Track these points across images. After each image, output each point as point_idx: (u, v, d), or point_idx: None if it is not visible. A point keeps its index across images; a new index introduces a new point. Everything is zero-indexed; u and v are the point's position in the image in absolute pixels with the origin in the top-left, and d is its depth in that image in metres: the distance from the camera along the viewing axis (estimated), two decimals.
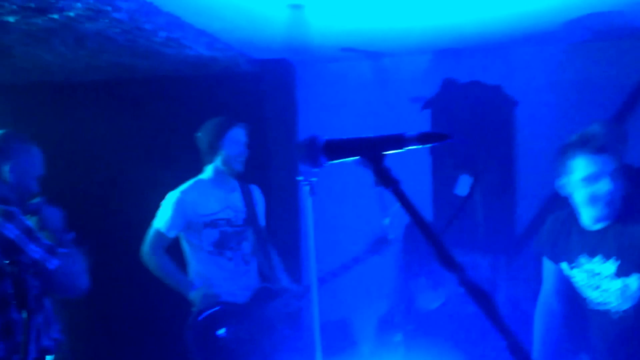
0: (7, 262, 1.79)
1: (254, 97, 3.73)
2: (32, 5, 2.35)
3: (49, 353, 1.99)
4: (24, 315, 1.78)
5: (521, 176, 3.64)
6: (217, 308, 2.65)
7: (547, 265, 2.25)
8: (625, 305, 2.00)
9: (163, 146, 3.79)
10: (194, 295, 2.64)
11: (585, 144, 1.99)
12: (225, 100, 3.70)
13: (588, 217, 2.06)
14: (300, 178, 2.10)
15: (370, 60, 3.88)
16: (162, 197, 2.76)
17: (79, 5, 2.36)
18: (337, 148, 1.08)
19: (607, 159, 1.96)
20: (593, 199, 1.98)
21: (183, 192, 2.71)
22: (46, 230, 2.01)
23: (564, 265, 2.17)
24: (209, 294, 2.64)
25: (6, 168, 1.99)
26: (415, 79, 3.79)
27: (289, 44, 3.36)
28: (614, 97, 3.45)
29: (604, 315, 2.06)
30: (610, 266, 2.01)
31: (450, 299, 3.36)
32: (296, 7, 2.64)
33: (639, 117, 3.42)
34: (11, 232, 1.79)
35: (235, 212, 2.77)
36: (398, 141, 1.02)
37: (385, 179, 1.04)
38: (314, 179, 2.10)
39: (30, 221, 1.99)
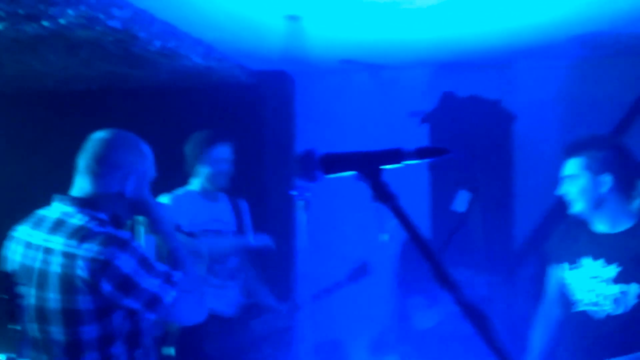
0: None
1: (251, 109, 3.72)
2: (21, 12, 2.29)
3: None
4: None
5: (519, 192, 3.66)
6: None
7: (553, 272, 2.31)
8: (617, 311, 2.05)
9: (158, 158, 3.75)
10: None
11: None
12: (222, 112, 3.68)
13: (600, 221, 2.13)
14: (294, 193, 2.10)
15: (370, 73, 3.90)
16: None
17: (70, 12, 2.31)
18: (334, 162, 1.08)
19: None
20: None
21: (174, 199, 2.68)
22: (158, 234, 1.77)
23: (565, 266, 2.23)
24: None
25: (123, 181, 1.68)
26: (414, 92, 3.82)
27: (287, 56, 3.37)
28: (612, 113, 3.50)
29: (589, 316, 2.12)
30: (611, 271, 2.06)
31: (446, 318, 3.34)
32: (293, 18, 2.65)
33: (635, 133, 3.46)
34: (127, 264, 1.54)
35: (224, 225, 2.76)
36: (396, 155, 1.02)
37: (383, 194, 1.04)
38: (308, 194, 2.09)
39: (139, 223, 1.80)
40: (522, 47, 3.24)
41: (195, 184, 2.76)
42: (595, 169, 2.04)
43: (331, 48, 3.22)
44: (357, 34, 2.92)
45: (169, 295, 1.60)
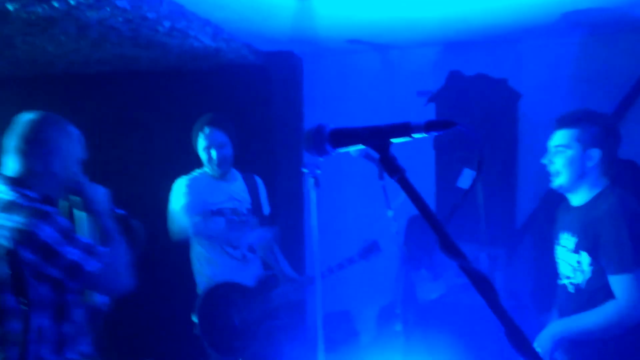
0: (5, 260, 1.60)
1: (261, 90, 3.71)
2: None
3: None
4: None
5: (522, 170, 3.65)
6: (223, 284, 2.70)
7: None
8: (577, 280, 2.07)
9: (168, 140, 3.73)
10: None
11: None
12: (232, 93, 3.68)
13: (576, 195, 2.14)
14: (304, 170, 2.10)
15: (377, 53, 3.86)
16: (164, 193, 2.75)
17: None
18: (343, 136, 1.07)
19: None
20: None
21: (191, 180, 2.76)
22: (92, 213, 1.83)
23: (555, 242, 2.27)
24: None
25: (48, 158, 1.73)
26: (421, 71, 3.79)
27: (296, 36, 3.34)
28: (617, 90, 3.44)
29: (565, 288, 2.15)
30: (572, 242, 2.09)
31: (449, 289, 3.38)
32: None
33: (638, 110, 3.42)
34: (46, 233, 1.61)
35: (239, 202, 2.81)
36: (404, 129, 1.01)
37: (391, 167, 1.03)
38: (318, 171, 2.10)
39: (74, 201, 1.85)
40: (527, 25, 3.20)
41: (206, 167, 2.80)
42: (586, 142, 2.02)
43: (339, 28, 3.19)
44: (364, 13, 2.89)
45: (90, 265, 1.65)
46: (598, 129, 2.03)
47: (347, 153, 1.17)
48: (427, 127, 0.99)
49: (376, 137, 1.04)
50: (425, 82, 3.73)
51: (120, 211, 1.96)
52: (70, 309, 1.73)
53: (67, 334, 1.73)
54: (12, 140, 1.74)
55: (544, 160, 2.14)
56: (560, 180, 2.09)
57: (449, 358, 2.77)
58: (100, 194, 1.85)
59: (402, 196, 1.05)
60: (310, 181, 2.12)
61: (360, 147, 1.07)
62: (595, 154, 2.02)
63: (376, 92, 3.88)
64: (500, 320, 0.95)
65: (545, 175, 3.50)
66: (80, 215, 1.88)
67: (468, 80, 3.56)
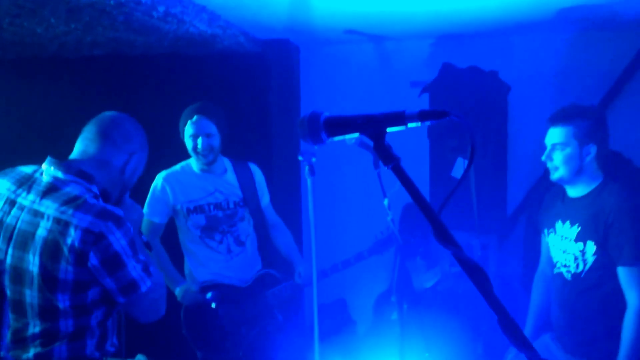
0: None
1: (257, 77, 3.66)
2: None
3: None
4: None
5: (512, 159, 3.66)
6: (207, 297, 2.61)
7: (542, 237, 2.37)
8: (578, 269, 2.11)
9: (162, 126, 3.63)
10: (178, 292, 2.60)
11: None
12: (228, 80, 3.62)
13: (574, 187, 2.17)
14: (300, 158, 2.08)
15: (373, 44, 3.84)
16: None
17: None
18: (339, 124, 1.06)
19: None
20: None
21: (165, 179, 2.63)
22: None
23: (545, 232, 2.30)
24: (190, 290, 2.59)
25: (127, 156, 1.62)
26: (416, 63, 3.78)
27: (292, 25, 3.31)
28: (602, 85, 3.49)
29: (560, 276, 2.19)
30: (573, 231, 2.12)
31: (443, 278, 3.39)
32: None
33: (621, 104, 3.46)
34: (119, 242, 1.45)
35: (225, 196, 2.66)
36: (399, 118, 1.01)
37: (386, 156, 1.02)
38: (313, 159, 2.08)
39: None
40: (517, 21, 3.19)
41: (193, 158, 2.68)
42: (581, 139, 2.05)
43: (335, 18, 3.15)
44: (361, 5, 2.85)
45: (145, 285, 1.55)
46: (591, 123, 2.05)
47: (343, 141, 1.16)
48: (421, 116, 0.99)
49: (371, 126, 1.03)
50: (419, 73, 3.72)
51: (144, 238, 1.86)
52: (114, 306, 1.65)
53: (109, 328, 1.67)
54: (100, 126, 1.62)
55: (543, 158, 2.15)
56: (559, 173, 2.11)
57: (444, 345, 2.78)
58: (137, 214, 1.74)
59: (397, 184, 1.04)
60: (306, 169, 2.10)
61: (356, 135, 1.06)
62: (592, 149, 2.05)
63: (371, 81, 3.87)
64: (493, 308, 0.95)
65: (534, 164, 3.51)
66: None
67: (460, 72, 3.55)
